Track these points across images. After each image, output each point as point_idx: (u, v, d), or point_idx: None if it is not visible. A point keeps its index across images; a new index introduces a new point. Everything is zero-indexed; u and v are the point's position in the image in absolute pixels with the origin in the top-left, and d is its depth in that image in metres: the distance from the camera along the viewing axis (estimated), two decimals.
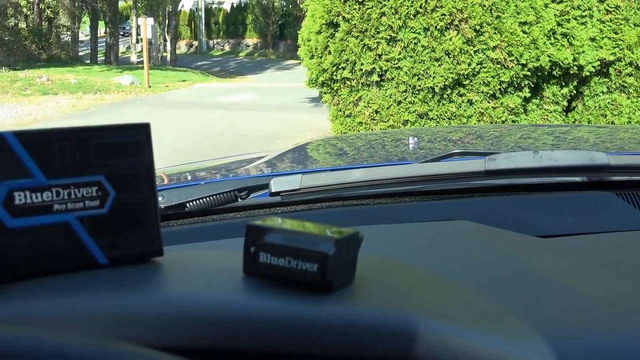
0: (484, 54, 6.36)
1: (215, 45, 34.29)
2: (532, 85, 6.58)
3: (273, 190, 1.08)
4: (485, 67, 6.39)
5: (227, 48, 33.60)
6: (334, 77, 6.80)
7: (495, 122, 6.44)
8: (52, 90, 14.71)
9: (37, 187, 0.53)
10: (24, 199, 0.52)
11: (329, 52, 6.75)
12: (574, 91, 6.81)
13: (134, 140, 0.57)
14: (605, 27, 6.57)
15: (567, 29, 6.45)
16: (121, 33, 31.07)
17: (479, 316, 0.54)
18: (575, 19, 6.51)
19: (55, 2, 23.70)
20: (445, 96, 6.54)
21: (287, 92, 13.94)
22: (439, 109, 6.58)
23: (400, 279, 0.59)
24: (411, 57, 6.50)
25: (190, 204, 1.10)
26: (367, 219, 1.00)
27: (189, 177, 1.66)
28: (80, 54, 25.97)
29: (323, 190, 1.09)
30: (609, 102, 6.72)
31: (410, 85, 6.56)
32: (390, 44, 6.54)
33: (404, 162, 1.50)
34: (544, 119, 6.70)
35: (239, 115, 11.00)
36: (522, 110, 6.62)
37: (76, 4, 24.26)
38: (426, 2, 6.37)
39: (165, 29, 27.57)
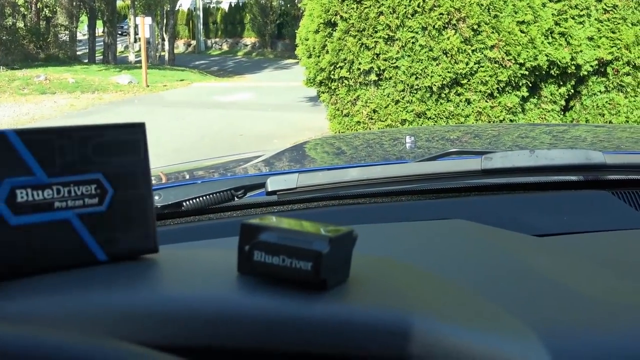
0: (482, 53, 6.36)
1: (214, 45, 34.27)
2: (530, 85, 6.59)
3: (269, 189, 1.08)
4: (483, 67, 6.39)
5: (225, 47, 33.59)
6: (332, 77, 6.80)
7: (493, 122, 6.44)
8: (50, 89, 14.70)
9: (38, 184, 0.53)
10: (25, 197, 0.53)
11: (327, 52, 6.75)
12: (572, 90, 6.81)
13: (130, 139, 0.58)
14: (603, 26, 6.58)
15: (565, 28, 6.46)
16: (119, 32, 31.05)
17: (475, 315, 0.54)
18: (573, 18, 6.52)
19: (53, 2, 23.70)
20: (443, 95, 6.55)
21: (285, 92, 13.94)
22: (437, 109, 6.58)
23: (395, 278, 0.59)
24: (409, 56, 6.50)
25: (187, 203, 1.10)
26: (364, 218, 1.00)
27: (186, 176, 1.66)
28: (78, 53, 25.95)
29: (319, 189, 1.09)
30: (606, 102, 6.73)
31: (408, 85, 6.56)
32: (388, 43, 6.55)
33: (401, 161, 1.50)
34: (542, 118, 6.71)
35: (236, 115, 10.99)
36: (520, 110, 6.63)
37: (74, 3, 24.24)
38: (424, 1, 6.37)
39: (163, 28, 27.55)
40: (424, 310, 0.51)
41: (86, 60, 24.41)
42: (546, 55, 6.37)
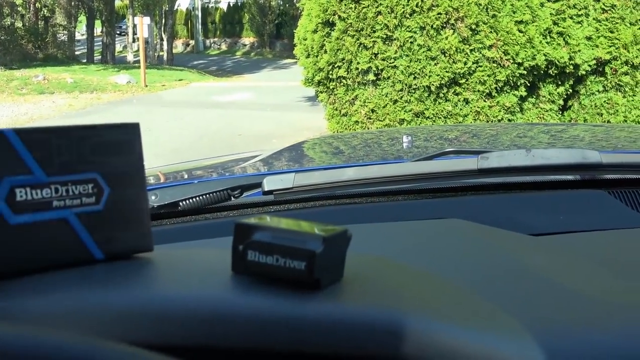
0: (480, 52, 6.37)
1: (212, 45, 34.26)
2: (528, 84, 6.59)
3: (266, 189, 1.08)
4: (481, 66, 6.39)
5: (223, 47, 33.57)
6: (330, 76, 6.80)
7: (492, 121, 6.45)
8: (49, 89, 14.68)
9: (37, 184, 0.54)
10: (24, 196, 0.53)
11: (325, 51, 6.75)
12: (570, 90, 6.82)
13: (125, 139, 0.59)
14: (601, 26, 6.58)
15: (563, 27, 6.46)
16: (118, 32, 31.03)
17: (471, 314, 0.54)
18: (571, 17, 6.52)
19: (51, 1, 23.68)
20: (441, 95, 6.55)
21: (283, 91, 13.94)
22: (435, 108, 6.59)
23: (391, 277, 0.59)
24: (407, 56, 6.50)
25: (183, 202, 1.10)
26: (360, 218, 1.00)
27: (183, 176, 1.66)
28: (77, 53, 25.93)
29: (316, 189, 1.09)
30: (604, 101, 6.73)
31: (406, 84, 6.56)
32: (386, 42, 6.55)
33: (398, 161, 1.49)
34: (540, 117, 6.71)
35: (235, 115, 10.99)
36: (518, 109, 6.63)
37: (72, 3, 24.22)
38: (422, 1, 6.38)
39: (162, 28, 27.54)
40: (419, 310, 0.51)
41: (84, 60, 24.40)
42: (544, 55, 6.37)
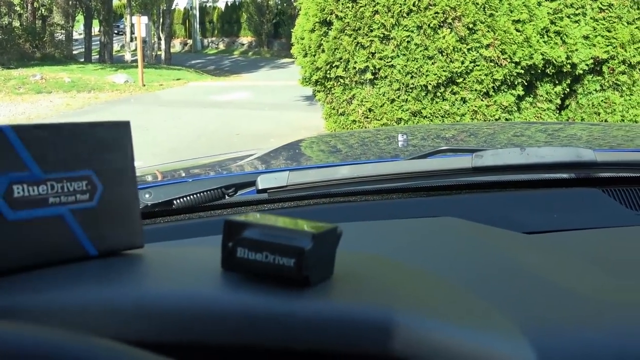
0: (477, 52, 6.37)
1: (210, 44, 34.26)
2: (526, 84, 6.60)
3: (260, 187, 1.07)
4: (478, 65, 6.40)
5: (221, 46, 33.58)
6: (328, 76, 6.81)
7: (489, 120, 6.45)
8: (46, 89, 14.67)
9: (34, 180, 0.54)
10: (22, 192, 0.53)
11: (323, 51, 6.75)
12: (568, 89, 6.83)
13: (117, 137, 0.59)
14: (598, 25, 6.59)
15: (561, 27, 6.47)
16: (115, 32, 31.01)
17: (466, 313, 0.54)
18: (568, 17, 6.53)
19: (49, 1, 23.65)
20: (438, 94, 6.55)
21: (281, 91, 13.94)
22: (432, 107, 6.59)
23: (385, 275, 0.59)
24: (404, 55, 6.50)
25: (178, 201, 1.10)
26: (354, 216, 1.00)
27: (177, 175, 1.66)
28: (74, 52, 25.90)
29: (310, 187, 1.09)
30: (602, 100, 6.74)
31: (403, 84, 6.57)
32: (384, 42, 6.55)
33: (393, 160, 1.49)
34: (538, 117, 6.72)
35: (233, 114, 10.99)
36: (516, 108, 6.64)
37: (70, 2, 24.19)
38: (419, 0, 6.38)
39: (160, 28, 27.53)
40: (413, 308, 0.51)
41: (82, 60, 24.37)
42: (542, 54, 6.38)
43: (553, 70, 6.55)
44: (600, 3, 6.55)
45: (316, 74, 6.85)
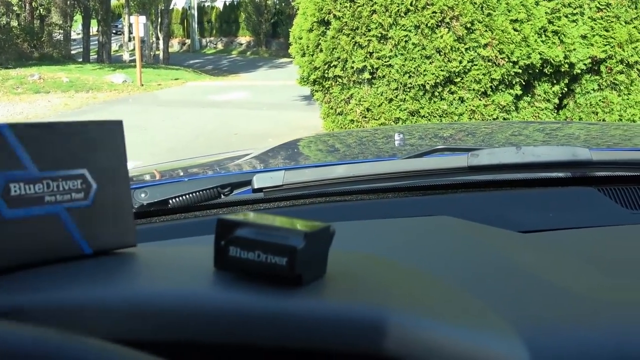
0: (475, 51, 6.37)
1: (208, 44, 34.25)
2: (524, 83, 6.60)
3: (255, 187, 1.07)
4: (476, 65, 6.40)
5: (219, 46, 33.57)
6: (326, 75, 6.81)
7: (487, 120, 6.45)
8: (44, 88, 14.66)
9: (30, 179, 0.54)
10: (19, 191, 0.53)
11: (321, 50, 6.75)
12: (565, 89, 6.83)
13: (109, 136, 0.59)
14: (596, 24, 6.59)
15: (558, 26, 6.47)
16: (113, 31, 30.99)
17: (461, 312, 0.54)
18: (566, 16, 6.53)
19: (47, 0, 23.64)
20: (436, 94, 6.56)
21: (279, 90, 13.94)
22: (430, 107, 6.59)
23: (380, 274, 0.59)
24: (402, 54, 6.51)
25: (173, 200, 1.09)
26: (350, 215, 1.00)
27: (173, 174, 1.66)
28: (73, 52, 25.91)
29: (306, 187, 1.09)
30: (600, 100, 6.75)
31: (401, 83, 6.57)
32: (381, 41, 6.55)
33: (389, 159, 1.49)
34: (535, 116, 6.72)
35: (231, 114, 10.99)
36: (514, 108, 6.64)
37: (68, 2, 24.18)
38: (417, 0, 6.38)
39: (158, 27, 27.51)
40: (408, 307, 0.51)
41: (80, 60, 24.36)
42: (539, 54, 6.38)
43: (551, 70, 6.56)
44: (598, 2, 6.56)
45: (314, 74, 6.85)
